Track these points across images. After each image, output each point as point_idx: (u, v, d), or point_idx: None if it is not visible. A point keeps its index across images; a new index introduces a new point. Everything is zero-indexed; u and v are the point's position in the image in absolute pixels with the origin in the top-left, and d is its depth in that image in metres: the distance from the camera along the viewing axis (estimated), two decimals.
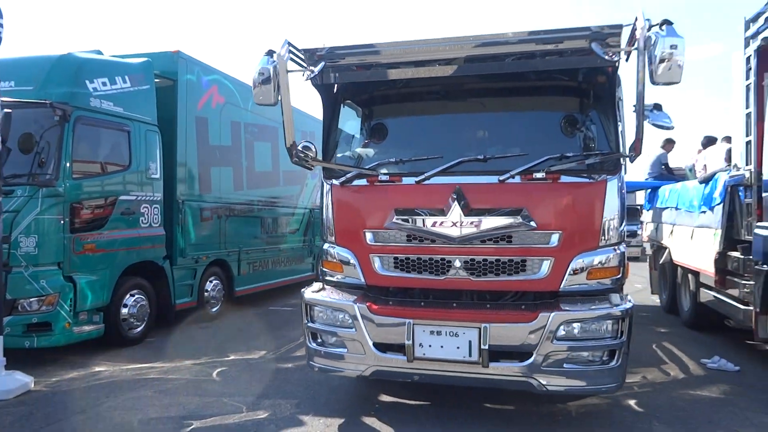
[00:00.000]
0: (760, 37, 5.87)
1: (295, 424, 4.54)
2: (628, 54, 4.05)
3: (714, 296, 7.03)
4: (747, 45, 6.22)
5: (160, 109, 7.81)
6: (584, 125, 4.53)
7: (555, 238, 4.31)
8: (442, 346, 4.20)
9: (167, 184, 7.91)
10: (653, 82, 3.71)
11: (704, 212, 7.25)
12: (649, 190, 10.61)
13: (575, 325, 4.07)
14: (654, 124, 4.24)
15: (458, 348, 4.16)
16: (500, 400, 4.97)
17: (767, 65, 5.84)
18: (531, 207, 4.31)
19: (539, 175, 4.30)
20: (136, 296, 7.30)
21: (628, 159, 4.36)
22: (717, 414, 4.72)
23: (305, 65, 4.56)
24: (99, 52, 7.62)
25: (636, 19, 3.83)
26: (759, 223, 5.71)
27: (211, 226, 8.89)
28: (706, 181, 7.35)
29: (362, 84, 4.86)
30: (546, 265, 4.33)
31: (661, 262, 9.59)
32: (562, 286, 4.32)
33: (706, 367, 6.14)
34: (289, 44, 4.40)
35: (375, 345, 4.38)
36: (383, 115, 5.14)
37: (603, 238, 4.35)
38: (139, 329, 7.33)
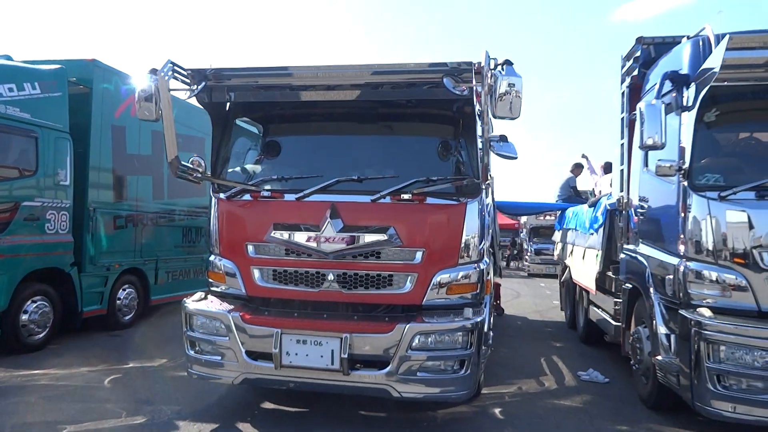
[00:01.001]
0: (632, 74, 6.44)
1: (169, 429, 4.69)
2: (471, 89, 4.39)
3: (598, 313, 7.54)
4: (622, 81, 6.79)
5: (75, 116, 7.84)
6: (449, 151, 4.91)
7: (419, 255, 4.65)
8: (307, 355, 4.45)
9: (79, 191, 7.93)
10: (494, 116, 4.10)
11: (592, 234, 7.78)
12: (559, 212, 11.20)
13: (428, 336, 4.39)
14: (498, 154, 4.65)
15: (322, 356, 4.43)
16: (374, 408, 5.24)
17: (636, 100, 6.38)
18: (398, 226, 4.64)
19: (406, 196, 4.65)
20: (39, 302, 7.28)
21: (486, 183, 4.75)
22: (567, 420, 5.12)
23: (189, 84, 4.78)
24: (8, 57, 7.62)
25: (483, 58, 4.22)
26: (625, 246, 6.22)
27: (125, 234, 8.90)
28: (593, 204, 7.90)
29: (251, 104, 5.11)
30: (410, 281, 4.66)
31: (562, 280, 10.14)
32: (424, 300, 4.65)
33: (580, 379, 6.59)
34: (173, 63, 4.62)
35: (247, 353, 4.60)
36: (271, 134, 5.40)
37: (463, 255, 4.72)
38: (40, 336, 7.30)
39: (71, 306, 7.87)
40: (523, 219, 25.68)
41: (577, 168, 10.99)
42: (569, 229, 9.67)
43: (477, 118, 4.67)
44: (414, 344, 4.37)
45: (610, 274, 6.85)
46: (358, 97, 4.70)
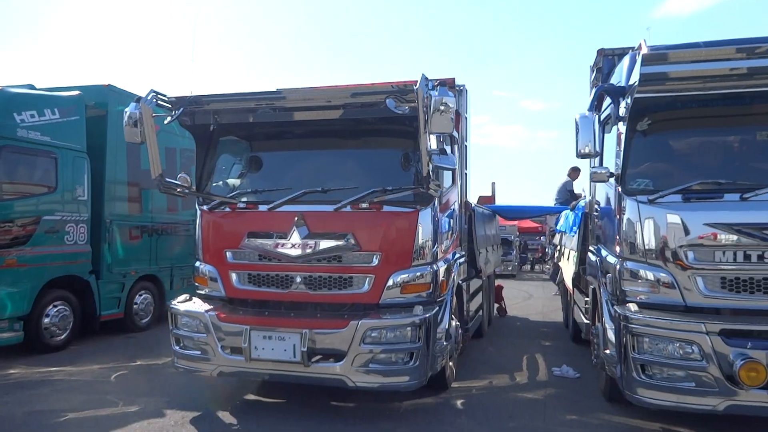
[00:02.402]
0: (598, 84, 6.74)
1: (156, 416, 5.28)
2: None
3: (577, 311, 7.83)
4: (590, 90, 7.10)
5: (92, 136, 8.62)
6: (401, 164, 5.36)
7: (375, 259, 5.13)
8: (273, 349, 4.98)
9: (96, 205, 8.70)
10: (429, 132, 4.54)
11: (573, 236, 8.08)
12: (557, 215, 11.44)
13: (379, 331, 4.86)
14: (437, 166, 5.06)
15: (285, 350, 4.95)
16: (344, 399, 5.71)
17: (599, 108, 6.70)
18: (356, 232, 5.14)
19: (364, 205, 5.15)
20: (59, 307, 8.04)
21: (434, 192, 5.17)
22: (522, 411, 5.47)
23: (170, 110, 5.39)
24: (32, 87, 8.45)
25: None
26: (590, 247, 6.53)
27: (141, 244, 9.65)
28: (574, 208, 8.20)
29: (227, 126, 5.68)
30: (368, 282, 5.15)
31: (557, 282, 10.40)
32: (381, 299, 5.13)
33: (552, 374, 6.91)
34: (155, 92, 5.23)
35: (222, 348, 5.16)
36: (249, 152, 5.98)
37: (416, 258, 5.17)
38: (61, 337, 8.07)
39: (90, 310, 8.63)
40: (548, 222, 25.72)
41: (574, 171, 11.21)
42: (561, 231, 9.95)
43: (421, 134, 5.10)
44: (366, 339, 4.84)
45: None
46: (318, 117, 5.21)
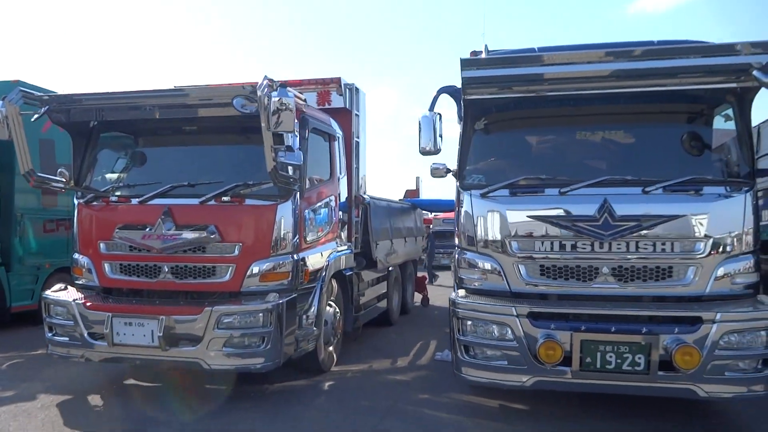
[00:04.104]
0: None
1: (27, 400, 5.52)
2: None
3: None
4: None
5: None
6: (259, 160, 5.64)
7: (236, 249, 5.44)
8: (133, 335, 5.26)
9: (6, 199, 8.83)
10: (269, 130, 4.84)
11: None
12: None
13: (232, 317, 5.17)
14: (284, 163, 5.36)
15: (144, 336, 5.23)
16: (217, 382, 6.00)
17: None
18: (219, 224, 5.44)
19: (227, 198, 5.45)
20: None
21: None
22: (382, 392, 5.82)
23: (39, 107, 5.60)
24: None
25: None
26: None
27: (56, 237, 9.79)
28: None
29: (107, 123, 5.90)
30: (230, 271, 5.45)
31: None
32: (242, 287, 5.45)
33: (434, 359, 7.30)
34: (23, 90, 5.44)
35: (89, 335, 5.42)
36: (125, 148, 6.23)
37: (276, 248, 5.49)
38: None
39: (1, 301, 8.77)
40: None
41: None
42: None
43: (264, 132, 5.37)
44: (221, 324, 5.16)
45: None
46: (171, 115, 5.44)
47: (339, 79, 7.35)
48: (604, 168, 5.10)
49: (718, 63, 4.44)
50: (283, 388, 5.95)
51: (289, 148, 5.21)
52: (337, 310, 6.79)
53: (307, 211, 5.92)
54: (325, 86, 7.46)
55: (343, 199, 7.23)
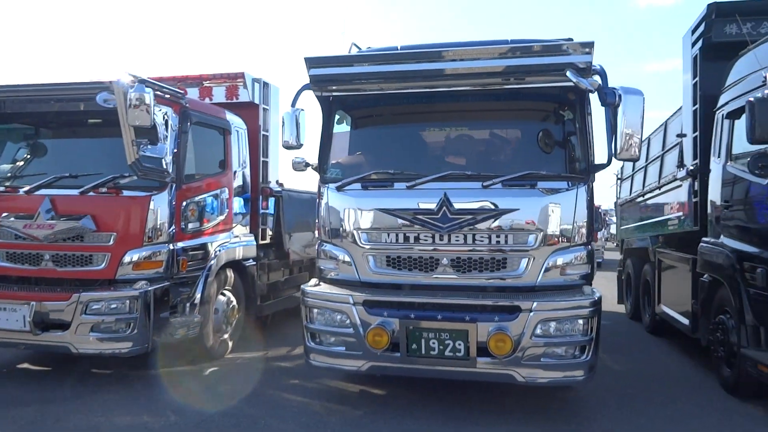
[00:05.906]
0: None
1: None
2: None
3: None
4: None
5: None
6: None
7: (111, 239, 5.68)
8: (7, 320, 5.52)
9: None
10: (128, 124, 5.06)
11: None
12: None
13: (99, 303, 5.44)
14: (144, 156, 5.54)
15: (17, 321, 5.49)
16: (103, 367, 6.25)
17: None
18: (96, 214, 5.68)
19: (104, 189, 5.69)
20: None
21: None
22: (259, 378, 6.00)
23: None
24: None
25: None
26: None
27: None
28: None
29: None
30: (105, 259, 5.70)
31: None
32: (117, 275, 5.70)
33: None
34: None
35: None
36: (18, 140, 6.49)
37: (149, 238, 5.73)
38: None
39: None
40: None
41: None
42: None
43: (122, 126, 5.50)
44: (89, 310, 5.41)
45: None
46: (39, 108, 5.80)
47: (243, 74, 7.55)
48: (455, 164, 5.30)
49: (541, 63, 4.62)
50: (167, 373, 6.13)
51: (153, 141, 5.42)
52: (232, 298, 7.02)
53: (187, 201, 6.13)
54: (232, 81, 7.66)
55: (247, 191, 7.44)
